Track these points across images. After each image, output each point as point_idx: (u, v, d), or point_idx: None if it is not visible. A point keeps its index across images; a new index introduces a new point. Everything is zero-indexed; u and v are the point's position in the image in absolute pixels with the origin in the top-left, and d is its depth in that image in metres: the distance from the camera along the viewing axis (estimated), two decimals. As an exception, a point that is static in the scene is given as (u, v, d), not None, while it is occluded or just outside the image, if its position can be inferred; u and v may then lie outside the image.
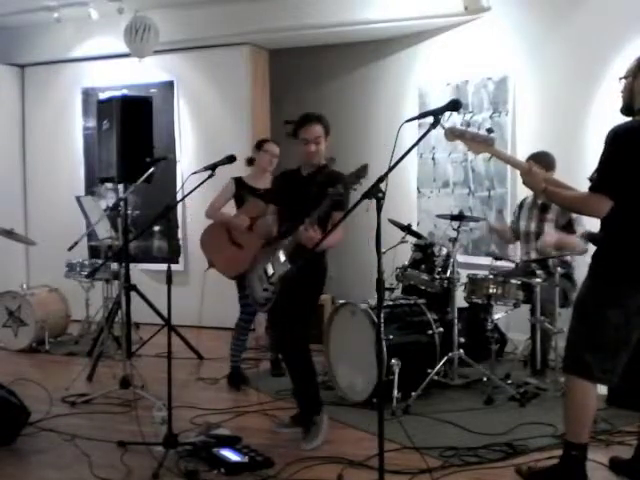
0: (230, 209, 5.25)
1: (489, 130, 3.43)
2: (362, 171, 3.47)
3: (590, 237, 4.55)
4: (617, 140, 3.05)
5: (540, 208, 5.21)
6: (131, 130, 5.56)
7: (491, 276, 4.88)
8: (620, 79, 3.21)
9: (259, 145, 5.29)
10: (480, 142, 3.31)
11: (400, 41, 7.09)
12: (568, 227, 5.08)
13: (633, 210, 3.07)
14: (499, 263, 5.28)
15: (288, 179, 4.17)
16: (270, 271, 3.95)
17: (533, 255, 5.16)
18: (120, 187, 5.76)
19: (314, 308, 4.16)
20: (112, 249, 6.19)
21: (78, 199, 6.54)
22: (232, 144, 6.59)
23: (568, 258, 5.05)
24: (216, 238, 5.18)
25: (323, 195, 3.71)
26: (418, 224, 6.73)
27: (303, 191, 3.96)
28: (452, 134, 3.35)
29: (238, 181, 5.20)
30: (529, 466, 3.42)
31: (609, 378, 3.15)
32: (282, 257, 3.87)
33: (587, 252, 4.86)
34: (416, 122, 3.28)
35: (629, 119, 3.14)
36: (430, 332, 4.78)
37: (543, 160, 4.76)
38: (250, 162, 5.27)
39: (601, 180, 3.06)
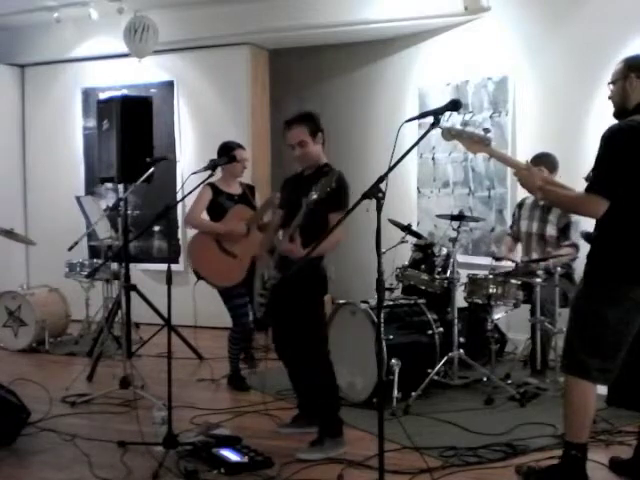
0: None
1: (486, 130, 3.44)
2: (330, 179, 3.47)
3: (586, 236, 4.56)
4: (613, 140, 3.05)
5: (542, 209, 5.21)
6: (131, 130, 5.55)
7: (491, 276, 4.88)
8: (608, 84, 3.21)
9: (230, 153, 4.95)
10: (477, 142, 3.32)
11: (400, 41, 7.09)
12: (565, 230, 5.08)
13: (627, 209, 3.07)
14: (499, 263, 5.27)
15: (292, 183, 4.08)
16: (266, 276, 3.93)
17: (534, 256, 5.15)
18: (120, 187, 5.76)
19: (320, 314, 3.95)
20: (112, 249, 6.19)
21: (78, 199, 6.55)
22: (232, 144, 6.60)
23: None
24: (205, 249, 5.01)
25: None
26: (418, 224, 6.73)
27: (301, 193, 3.87)
28: (449, 134, 3.36)
29: (213, 187, 5.05)
30: (529, 466, 3.42)
31: (607, 377, 3.15)
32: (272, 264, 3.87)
33: (578, 258, 4.89)
34: (416, 122, 3.28)
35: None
36: (430, 332, 4.78)
37: (546, 161, 4.77)
38: (233, 159, 4.90)
39: (597, 181, 3.06)
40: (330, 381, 3.84)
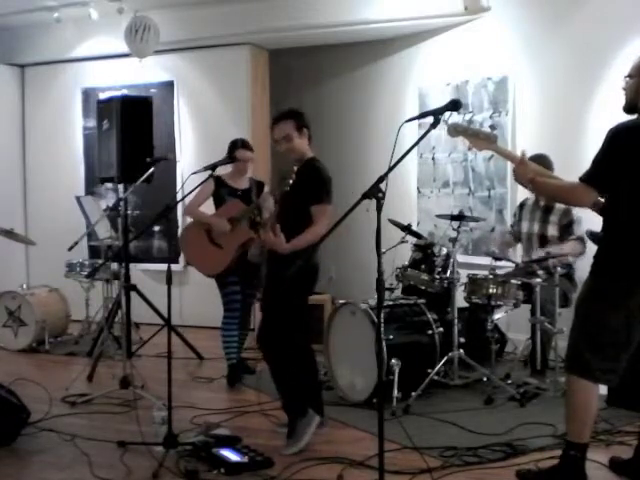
0: (207, 208, 5.25)
1: (492, 127, 3.44)
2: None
3: (592, 236, 4.55)
4: (617, 138, 3.05)
5: (543, 210, 5.21)
6: (131, 130, 5.56)
7: (491, 276, 4.88)
8: (625, 77, 3.21)
9: (232, 152, 5.11)
10: (483, 139, 3.32)
11: (400, 41, 7.09)
12: (568, 228, 5.08)
13: (633, 209, 3.07)
14: (499, 263, 5.27)
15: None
16: (264, 270, 4.02)
17: (534, 256, 5.15)
18: (120, 187, 5.76)
19: (303, 308, 4.03)
20: (112, 249, 6.19)
21: (78, 199, 6.55)
22: (232, 144, 6.60)
23: (569, 259, 5.04)
24: (195, 237, 5.17)
25: (297, 191, 3.80)
26: (418, 224, 6.73)
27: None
28: (455, 130, 3.36)
29: (217, 180, 5.14)
30: (529, 469, 3.41)
31: (610, 378, 3.15)
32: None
33: (584, 254, 4.88)
34: (416, 122, 3.28)
35: (630, 117, 3.14)
36: (430, 332, 4.78)
37: (541, 162, 4.75)
38: (234, 159, 5.05)
39: (593, 172, 3.08)
40: (305, 370, 3.94)
